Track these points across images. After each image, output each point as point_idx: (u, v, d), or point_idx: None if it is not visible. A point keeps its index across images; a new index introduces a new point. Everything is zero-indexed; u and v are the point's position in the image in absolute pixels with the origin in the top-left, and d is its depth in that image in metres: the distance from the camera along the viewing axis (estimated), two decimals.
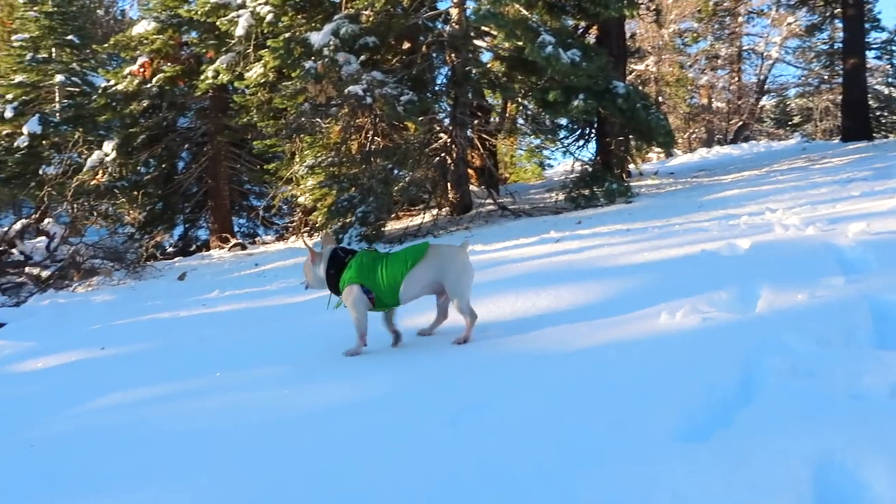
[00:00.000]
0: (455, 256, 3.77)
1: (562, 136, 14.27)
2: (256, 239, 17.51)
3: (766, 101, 30.55)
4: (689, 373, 2.66)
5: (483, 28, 12.34)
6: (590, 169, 12.27)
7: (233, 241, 15.32)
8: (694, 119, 29.97)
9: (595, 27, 13.93)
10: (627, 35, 17.52)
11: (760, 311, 3.31)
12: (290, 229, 15.60)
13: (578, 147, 14.22)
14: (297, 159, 12.35)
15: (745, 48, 28.44)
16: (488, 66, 13.21)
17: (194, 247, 17.69)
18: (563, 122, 13.87)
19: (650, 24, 21.94)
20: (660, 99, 25.30)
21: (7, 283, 11.42)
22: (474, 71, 12.18)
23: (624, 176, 13.44)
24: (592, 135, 14.05)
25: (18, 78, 19.43)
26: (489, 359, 3.27)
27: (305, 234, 14.19)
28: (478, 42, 12.58)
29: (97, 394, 3.76)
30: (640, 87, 19.67)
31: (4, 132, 19.67)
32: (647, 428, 2.22)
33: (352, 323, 3.78)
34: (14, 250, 12.27)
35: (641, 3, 16.22)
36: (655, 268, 4.77)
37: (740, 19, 27.07)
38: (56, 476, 2.63)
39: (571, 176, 12.35)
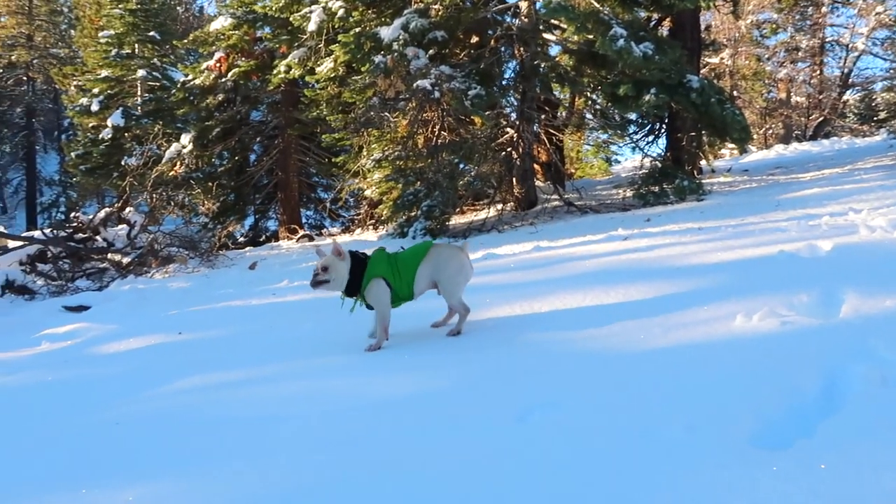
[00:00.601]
0: (452, 257, 3.99)
1: (631, 131, 13.98)
2: (323, 231, 17.88)
3: (850, 96, 29.01)
4: (767, 378, 2.57)
5: (552, 21, 12.21)
6: (659, 165, 11.97)
7: (301, 233, 15.67)
8: (771, 114, 28.82)
9: (668, 19, 13.58)
10: (702, 27, 16.99)
11: (845, 317, 3.16)
12: (356, 222, 15.84)
13: (648, 143, 13.92)
14: (365, 153, 12.53)
15: (828, 39, 27.08)
16: (557, 59, 13.06)
17: (264, 237, 18.21)
18: (633, 116, 13.58)
19: (726, 15, 21.18)
20: (734, 93, 24.44)
21: (91, 269, 12.02)
22: (542, 65, 12.06)
23: (695, 173, 13.07)
24: (663, 130, 13.72)
25: (104, 73, 20.39)
26: (558, 356, 3.24)
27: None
28: (547, 35, 12.45)
29: (175, 377, 3.91)
30: (715, 81, 19.03)
31: (91, 125, 20.70)
32: (722, 432, 2.16)
33: (376, 319, 3.96)
34: (98, 237, 12.90)
35: None
36: (730, 268, 4.61)
37: (823, 9, 25.81)
38: (141, 453, 2.76)
39: (640, 172, 12.09)
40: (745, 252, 5.09)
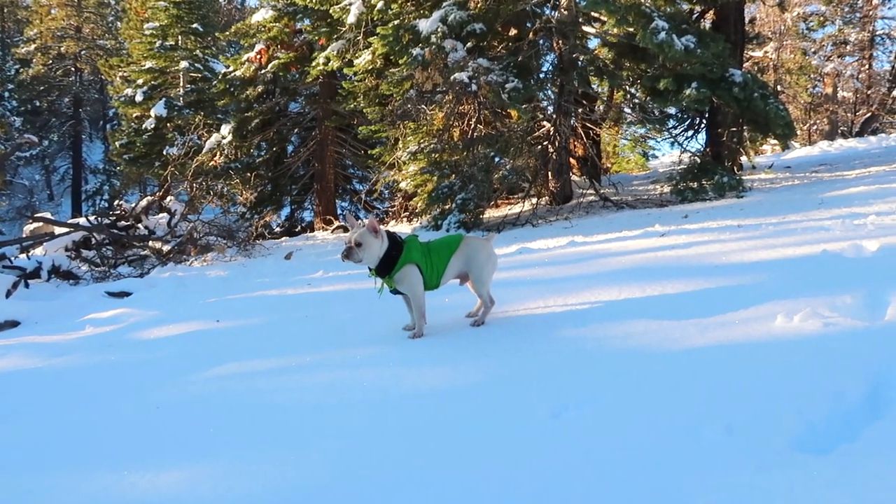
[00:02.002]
0: (481, 248, 4.06)
1: (670, 125, 13.75)
2: (358, 221, 17.97)
3: None
4: (808, 380, 2.52)
5: (592, 14, 12.06)
6: (699, 161, 11.76)
7: (336, 224, 15.79)
8: (816, 109, 28.07)
9: (712, 11, 13.30)
10: (746, 20, 16.60)
11: (891, 319, 3.08)
12: (391, 213, 15.91)
13: (687, 138, 13.69)
14: (401, 145, 12.57)
15: (878, 33, 26.26)
16: (595, 52, 12.91)
17: (299, 227, 18.43)
18: (672, 111, 13.36)
19: (772, 7, 20.68)
20: (778, 88, 23.86)
21: (133, 256, 12.32)
22: (581, 58, 11.94)
23: (735, 169, 12.81)
24: (703, 125, 13.48)
25: (148, 64, 20.79)
26: (593, 353, 3.22)
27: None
28: (586, 28, 12.31)
29: (213, 363, 3.99)
30: (758, 75, 18.60)
31: (134, 115, 21.16)
32: (763, 435, 2.12)
33: (413, 305, 4.00)
34: (140, 225, 13.20)
35: None
36: (770, 267, 4.52)
37: (874, 1, 25.02)
38: (180, 437, 2.83)
39: (678, 167, 11.90)
40: (787, 251, 4.98)
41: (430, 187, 11.66)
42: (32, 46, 34.52)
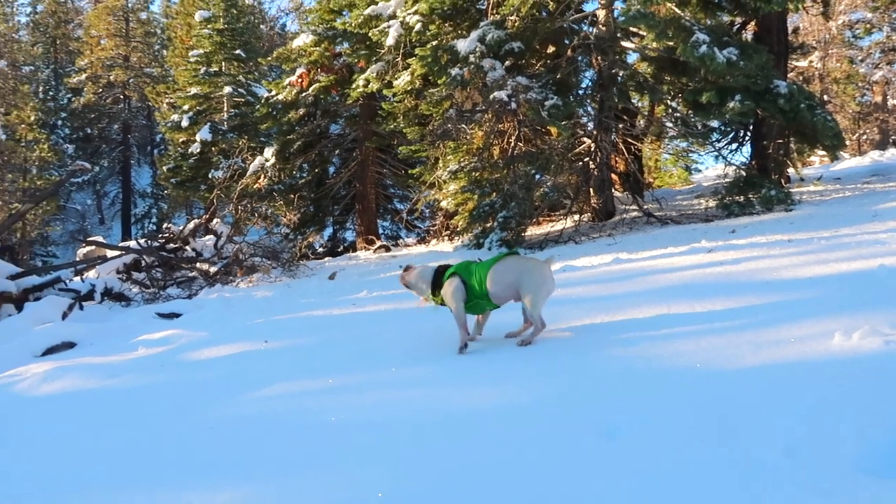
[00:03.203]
0: (535, 269, 4.03)
1: (713, 138, 13.54)
2: (399, 241, 18.12)
3: None
4: (870, 400, 2.44)
5: (631, 29, 12.02)
6: (744, 174, 11.54)
7: (378, 243, 15.94)
8: (865, 119, 27.33)
9: (753, 23, 13.13)
10: (790, 29, 16.31)
11: None
12: (432, 232, 15.99)
13: (731, 150, 13.46)
14: (441, 164, 12.66)
15: None
16: (635, 67, 12.84)
17: (342, 247, 18.64)
18: (715, 124, 13.16)
19: (816, 16, 20.25)
20: (825, 97, 23.32)
21: (181, 277, 12.61)
22: (621, 73, 11.89)
23: (782, 182, 12.53)
24: (747, 137, 13.25)
25: (193, 90, 21.43)
26: (643, 372, 3.17)
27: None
28: (625, 43, 12.26)
29: (263, 383, 4.05)
30: (804, 85, 18.22)
31: (181, 140, 21.79)
32: (823, 457, 2.07)
33: (454, 321, 4.15)
34: (187, 247, 13.52)
35: None
36: (825, 283, 4.40)
37: None
38: (233, 457, 2.87)
39: (724, 181, 11.69)
40: (841, 266, 4.84)
41: (471, 206, 11.70)
42: (84, 76, 35.91)
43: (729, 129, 13.38)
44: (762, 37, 12.72)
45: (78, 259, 14.17)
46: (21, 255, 20.50)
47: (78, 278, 11.96)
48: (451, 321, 4.23)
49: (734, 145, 13.66)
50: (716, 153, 13.57)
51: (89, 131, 35.94)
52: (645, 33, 11.05)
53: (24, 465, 3.30)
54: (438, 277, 4.24)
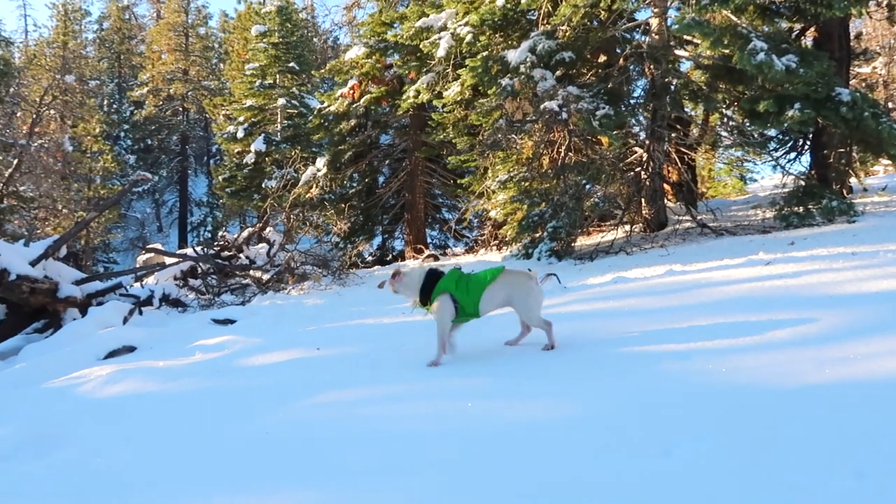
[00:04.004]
0: (523, 283, 4.31)
1: (771, 147, 13.20)
2: (447, 250, 18.17)
3: None
4: None
5: (685, 37, 11.83)
6: (804, 184, 11.19)
7: (426, 252, 16.01)
8: None
9: (813, 29, 12.75)
10: (852, 35, 15.78)
11: None
12: (480, 242, 15.98)
13: (789, 160, 13.10)
14: (490, 174, 12.67)
15: None
16: (688, 75, 12.62)
17: (391, 256, 18.79)
18: (773, 132, 12.82)
19: (880, 21, 19.56)
20: (890, 105, 22.45)
21: (235, 284, 12.91)
22: (674, 82, 11.69)
23: (844, 192, 12.10)
24: (806, 146, 12.86)
25: (249, 102, 21.98)
26: (700, 387, 3.10)
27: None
28: (678, 52, 12.07)
29: (316, 390, 4.11)
30: (868, 93, 17.59)
31: (236, 150, 22.36)
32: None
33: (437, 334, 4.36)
34: (241, 255, 13.84)
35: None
36: (892, 298, 4.23)
37: None
38: (289, 462, 2.92)
39: (782, 191, 11.36)
40: None
41: (520, 216, 11.66)
42: (145, 89, 37.29)
43: (787, 137, 13.03)
44: (823, 43, 12.34)
45: (138, 266, 14.65)
46: (84, 261, 21.32)
47: (138, 284, 12.37)
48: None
49: (792, 154, 13.28)
50: (773, 162, 13.23)
51: (150, 142, 37.26)
52: (699, 41, 10.85)
53: (87, 465, 3.42)
54: (429, 282, 4.38)
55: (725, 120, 13.38)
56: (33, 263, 9.21)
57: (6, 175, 19.20)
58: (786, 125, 10.24)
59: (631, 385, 3.29)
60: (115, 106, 37.05)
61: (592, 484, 2.29)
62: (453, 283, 4.33)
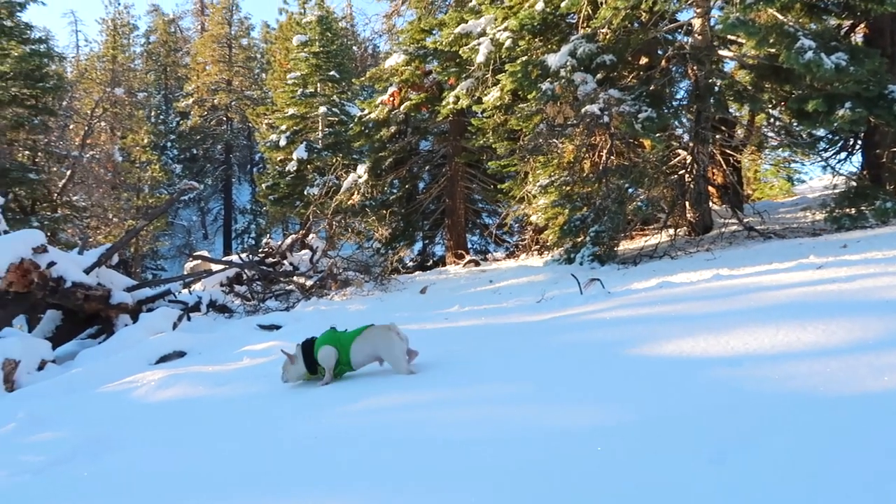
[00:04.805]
0: (383, 336, 4.71)
1: (820, 148, 12.86)
2: (488, 255, 18.16)
3: None
4: None
5: (729, 37, 11.62)
6: (855, 185, 10.87)
7: (467, 258, 16.03)
8: None
9: (863, 25, 12.39)
10: None
11: None
12: (521, 247, 15.94)
13: (840, 160, 12.74)
14: (531, 178, 12.63)
15: None
16: (733, 76, 12.38)
17: (431, 262, 18.86)
18: (822, 132, 12.49)
19: None
20: None
21: (279, 290, 13.12)
22: (718, 83, 11.49)
23: None
24: (857, 146, 12.49)
25: (290, 111, 22.35)
26: (752, 395, 3.03)
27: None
28: (722, 52, 11.86)
29: (362, 396, 4.15)
30: None
31: (278, 158, 22.76)
32: None
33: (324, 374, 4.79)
34: (285, 261, 14.06)
35: None
36: None
37: None
38: (338, 467, 2.96)
39: (832, 193, 11.05)
40: None
41: (561, 220, 11.60)
42: (190, 100, 38.23)
43: (837, 137, 12.69)
44: (874, 40, 11.97)
45: (185, 273, 15.01)
46: (134, 268, 21.93)
47: (186, 291, 12.67)
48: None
49: (843, 154, 12.93)
50: (822, 163, 12.89)
51: (195, 152, 38.19)
52: (744, 41, 10.65)
53: (140, 467, 3.52)
54: (307, 350, 4.80)
55: (772, 120, 13.09)
56: (87, 271, 9.52)
57: (60, 185, 19.90)
58: (836, 125, 9.94)
59: (679, 391, 3.24)
60: (161, 117, 38.07)
61: (640, 490, 2.26)
62: (328, 339, 4.80)
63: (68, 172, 20.07)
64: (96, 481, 3.37)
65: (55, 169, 20.42)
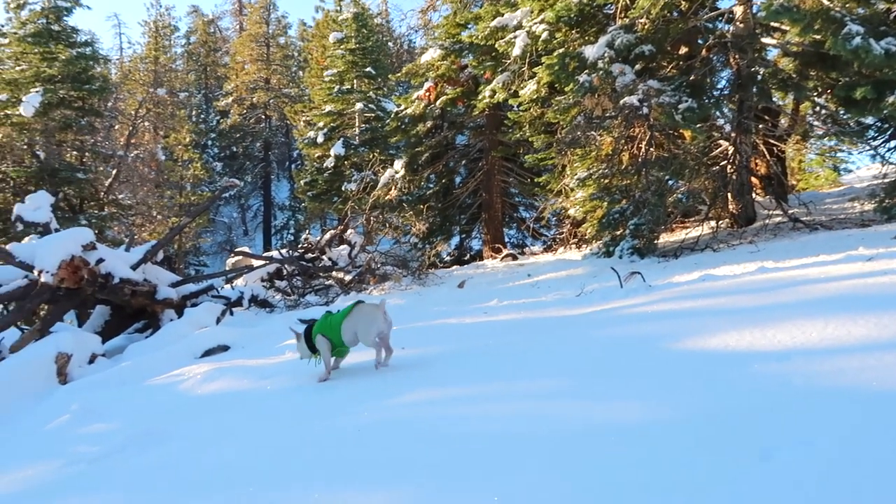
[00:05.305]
0: (362, 313, 4.99)
1: (868, 136, 12.45)
2: (525, 249, 18.08)
3: None
4: None
5: (772, 24, 11.33)
6: None
7: (504, 252, 15.98)
8: None
9: None
10: None
11: None
12: (558, 241, 15.83)
13: (890, 149, 12.31)
14: (568, 172, 12.52)
15: None
16: (776, 63, 12.08)
17: (468, 256, 18.86)
18: (870, 120, 12.09)
19: None
20: None
21: (319, 285, 13.28)
22: (761, 71, 11.22)
23: None
24: None
25: (328, 107, 22.54)
26: (802, 390, 2.97)
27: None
28: (765, 39, 11.58)
29: (403, 390, 4.18)
30: None
31: (316, 155, 22.99)
32: None
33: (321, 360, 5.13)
34: (324, 257, 14.22)
35: None
36: None
37: None
38: (382, 459, 2.99)
39: (882, 182, 10.71)
40: None
41: (600, 213, 11.48)
42: (230, 99, 38.89)
43: (887, 125, 12.26)
44: None
45: (227, 268, 15.29)
46: (178, 264, 22.44)
47: (228, 286, 12.92)
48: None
49: (893, 143, 12.49)
50: (871, 152, 12.48)
51: (235, 150, 38.83)
52: (788, 28, 10.37)
53: (189, 458, 3.61)
54: (307, 335, 5.19)
55: (817, 109, 12.73)
56: (134, 267, 9.77)
57: (106, 184, 20.44)
58: (885, 112, 9.64)
59: (726, 386, 3.19)
60: (202, 116, 38.76)
61: (686, 486, 2.24)
62: (321, 326, 5.13)
63: (114, 171, 20.61)
64: (151, 470, 3.47)
65: (101, 168, 20.98)
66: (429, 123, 18.14)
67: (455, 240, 19.94)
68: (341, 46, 22.90)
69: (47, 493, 3.39)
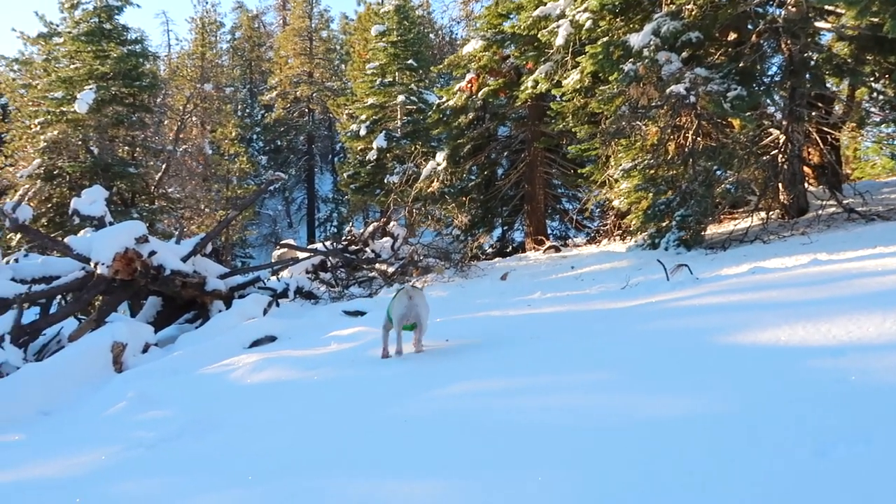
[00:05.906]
0: (399, 297, 5.40)
1: None
2: (568, 241, 17.94)
3: None
4: None
5: (826, 7, 10.95)
6: None
7: (547, 244, 15.89)
8: None
9: None
10: None
11: None
12: (602, 232, 15.66)
13: None
14: (612, 162, 12.36)
15: None
16: (830, 48, 11.67)
17: (511, 248, 18.81)
18: None
19: None
20: None
21: (362, 277, 13.41)
22: (814, 56, 10.86)
23: None
24: None
25: (370, 100, 22.70)
26: (859, 386, 2.89)
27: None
28: (819, 24, 11.19)
29: (448, 381, 4.21)
30: None
31: (359, 148, 23.19)
32: None
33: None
34: (367, 249, 14.35)
35: None
36: None
37: None
38: (428, 451, 3.02)
39: None
40: None
41: (645, 204, 11.31)
42: (274, 93, 39.46)
43: None
44: None
45: (273, 260, 15.57)
46: (225, 256, 22.93)
47: (274, 278, 13.16)
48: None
49: None
50: None
51: (279, 143, 39.44)
52: (843, 11, 10.00)
53: (242, 445, 3.71)
54: None
55: (874, 94, 12.28)
56: (184, 259, 10.03)
57: (157, 178, 20.99)
58: None
59: (777, 381, 3.12)
60: (247, 110, 39.46)
61: (739, 482, 2.21)
62: (390, 305, 5.51)
63: (164, 166, 21.15)
64: (206, 458, 3.58)
65: (152, 163, 21.55)
66: (471, 115, 18.11)
67: (497, 232, 19.90)
68: (383, 39, 23.01)
69: (109, 476, 3.52)
